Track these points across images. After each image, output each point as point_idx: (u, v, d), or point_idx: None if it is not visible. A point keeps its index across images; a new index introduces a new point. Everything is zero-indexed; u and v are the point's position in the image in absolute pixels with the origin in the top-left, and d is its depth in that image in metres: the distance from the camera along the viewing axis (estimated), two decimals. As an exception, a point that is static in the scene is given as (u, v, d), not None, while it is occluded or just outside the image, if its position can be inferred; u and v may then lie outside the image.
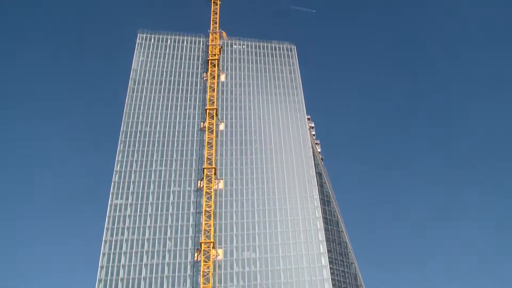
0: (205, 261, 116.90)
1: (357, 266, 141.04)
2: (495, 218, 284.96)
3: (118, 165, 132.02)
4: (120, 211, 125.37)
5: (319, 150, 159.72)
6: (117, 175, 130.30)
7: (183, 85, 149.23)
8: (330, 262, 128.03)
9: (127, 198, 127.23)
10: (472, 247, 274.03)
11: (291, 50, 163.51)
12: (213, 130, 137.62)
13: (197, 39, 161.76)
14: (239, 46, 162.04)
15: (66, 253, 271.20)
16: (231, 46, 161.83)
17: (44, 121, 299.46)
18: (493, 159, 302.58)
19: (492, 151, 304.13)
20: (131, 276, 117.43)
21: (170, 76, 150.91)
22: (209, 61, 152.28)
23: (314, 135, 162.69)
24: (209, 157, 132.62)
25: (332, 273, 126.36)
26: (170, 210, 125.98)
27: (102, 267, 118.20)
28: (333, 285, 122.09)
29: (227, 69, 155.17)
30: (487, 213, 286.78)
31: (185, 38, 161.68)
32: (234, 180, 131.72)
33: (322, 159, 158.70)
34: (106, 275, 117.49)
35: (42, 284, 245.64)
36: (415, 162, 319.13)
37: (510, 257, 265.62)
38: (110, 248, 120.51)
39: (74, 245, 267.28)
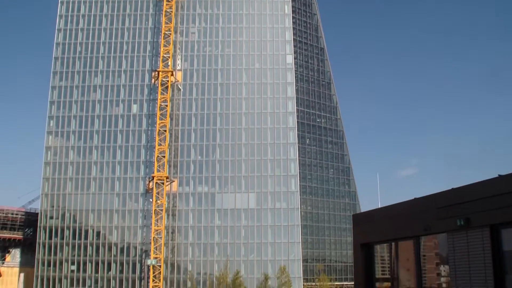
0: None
1: (319, 18, 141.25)
2: None
3: None
4: None
5: None
6: None
7: None
8: (293, 12, 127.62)
9: None
10: None
11: None
12: None
13: None
14: None
15: None
16: None
17: None
18: None
19: None
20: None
21: None
22: None
23: None
24: None
25: (294, 22, 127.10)
26: None
27: (61, 16, 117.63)
28: (294, 33, 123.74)
29: None
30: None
31: None
32: None
33: None
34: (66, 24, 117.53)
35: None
36: None
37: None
38: None
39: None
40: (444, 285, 19.20)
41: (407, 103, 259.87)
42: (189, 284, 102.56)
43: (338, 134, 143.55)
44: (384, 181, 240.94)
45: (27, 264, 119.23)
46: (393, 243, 22.11)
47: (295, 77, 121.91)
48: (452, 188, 18.32)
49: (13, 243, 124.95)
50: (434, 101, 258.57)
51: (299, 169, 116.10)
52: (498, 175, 16.49)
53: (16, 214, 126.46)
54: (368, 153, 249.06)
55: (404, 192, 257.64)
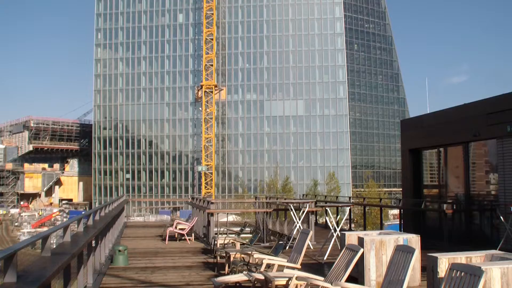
0: None
1: None
2: None
3: None
4: None
5: None
6: None
7: None
8: None
9: None
10: None
11: None
12: None
13: None
14: None
15: None
16: None
17: None
18: None
19: None
20: None
21: None
22: None
23: None
24: None
25: None
26: None
27: None
28: None
29: None
30: None
31: None
32: None
33: None
34: None
35: None
36: None
37: None
38: None
39: None
40: (493, 192, 19.17)
41: (459, 7, 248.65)
42: (240, 190, 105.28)
43: (387, 40, 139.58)
44: (434, 88, 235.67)
45: (84, 173, 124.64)
46: (441, 149, 21.97)
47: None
48: (503, 94, 17.89)
49: (71, 154, 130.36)
50: (488, 4, 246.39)
51: (347, 75, 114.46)
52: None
53: (72, 126, 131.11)
54: (417, 59, 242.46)
55: (454, 99, 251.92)
